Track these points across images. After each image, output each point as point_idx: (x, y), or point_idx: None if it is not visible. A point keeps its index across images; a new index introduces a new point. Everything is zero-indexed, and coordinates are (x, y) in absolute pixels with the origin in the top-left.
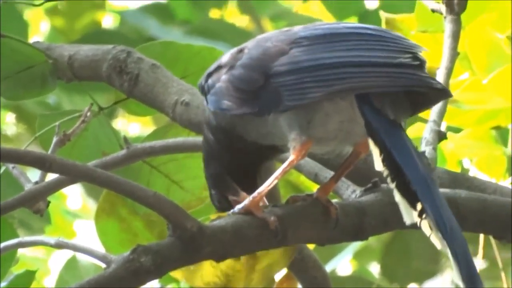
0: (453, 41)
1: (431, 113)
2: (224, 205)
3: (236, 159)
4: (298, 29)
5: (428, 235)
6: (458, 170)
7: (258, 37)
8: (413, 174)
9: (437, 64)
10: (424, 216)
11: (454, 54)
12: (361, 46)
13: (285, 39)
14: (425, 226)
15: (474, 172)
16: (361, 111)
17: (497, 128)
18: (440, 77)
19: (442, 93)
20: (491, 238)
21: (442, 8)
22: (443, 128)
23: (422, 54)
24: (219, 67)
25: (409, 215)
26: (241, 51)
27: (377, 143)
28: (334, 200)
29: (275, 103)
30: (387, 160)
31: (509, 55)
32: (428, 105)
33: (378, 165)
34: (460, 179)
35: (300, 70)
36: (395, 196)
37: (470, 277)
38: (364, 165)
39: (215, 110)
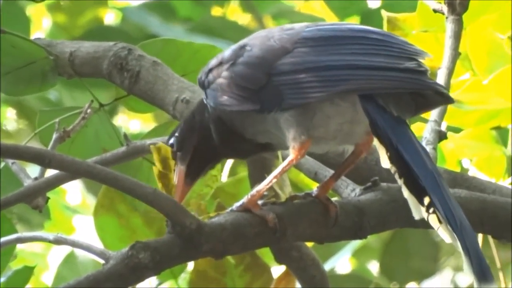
0: (455, 41)
1: (432, 113)
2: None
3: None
4: (300, 29)
5: (436, 228)
6: (458, 170)
7: (259, 34)
8: (421, 170)
9: (438, 64)
10: (431, 210)
11: (456, 54)
12: (366, 51)
13: (288, 38)
14: (433, 220)
15: (474, 172)
16: (365, 110)
17: (497, 128)
18: (441, 77)
19: (444, 99)
20: (489, 237)
21: (444, 8)
22: (443, 128)
23: (425, 61)
24: (220, 63)
25: (418, 211)
26: (242, 47)
27: (383, 140)
28: (334, 199)
29: (277, 102)
30: (394, 157)
31: (509, 56)
32: (428, 108)
33: (385, 162)
34: (460, 179)
35: (304, 70)
36: (404, 192)
37: (481, 271)
38: (364, 164)
39: (214, 106)
